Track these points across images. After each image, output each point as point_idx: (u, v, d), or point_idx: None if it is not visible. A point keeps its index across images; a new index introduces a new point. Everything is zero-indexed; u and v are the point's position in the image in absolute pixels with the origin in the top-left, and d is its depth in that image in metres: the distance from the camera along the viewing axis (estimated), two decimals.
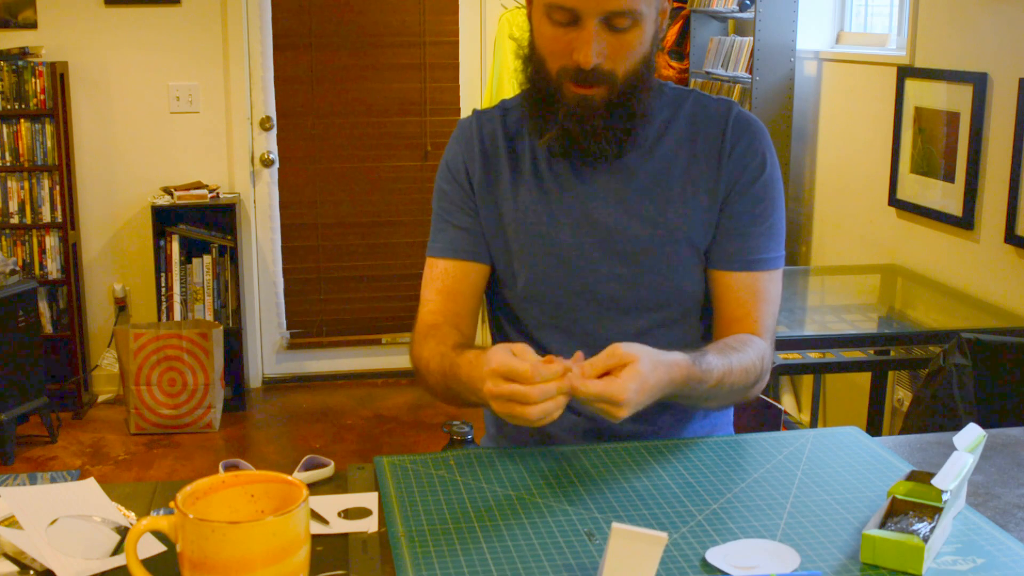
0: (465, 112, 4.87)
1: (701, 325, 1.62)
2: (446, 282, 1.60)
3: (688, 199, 1.55)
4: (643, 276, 1.55)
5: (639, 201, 1.55)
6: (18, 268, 4.22)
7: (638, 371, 1.26)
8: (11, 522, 1.20)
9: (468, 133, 1.63)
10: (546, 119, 1.51)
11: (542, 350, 1.58)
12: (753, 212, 1.55)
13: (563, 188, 1.56)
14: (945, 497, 1.16)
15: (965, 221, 3.21)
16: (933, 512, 1.17)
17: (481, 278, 1.61)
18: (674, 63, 4.80)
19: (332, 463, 1.40)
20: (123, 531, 1.20)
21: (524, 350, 1.28)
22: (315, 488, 1.35)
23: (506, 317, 1.65)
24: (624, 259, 1.54)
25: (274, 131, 4.78)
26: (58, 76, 4.32)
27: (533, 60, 1.52)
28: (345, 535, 1.22)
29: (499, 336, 1.68)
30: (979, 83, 3.12)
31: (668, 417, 1.60)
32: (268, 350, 4.95)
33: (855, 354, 3.15)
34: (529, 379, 1.23)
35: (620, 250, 1.54)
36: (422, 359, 1.53)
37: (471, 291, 1.60)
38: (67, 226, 4.42)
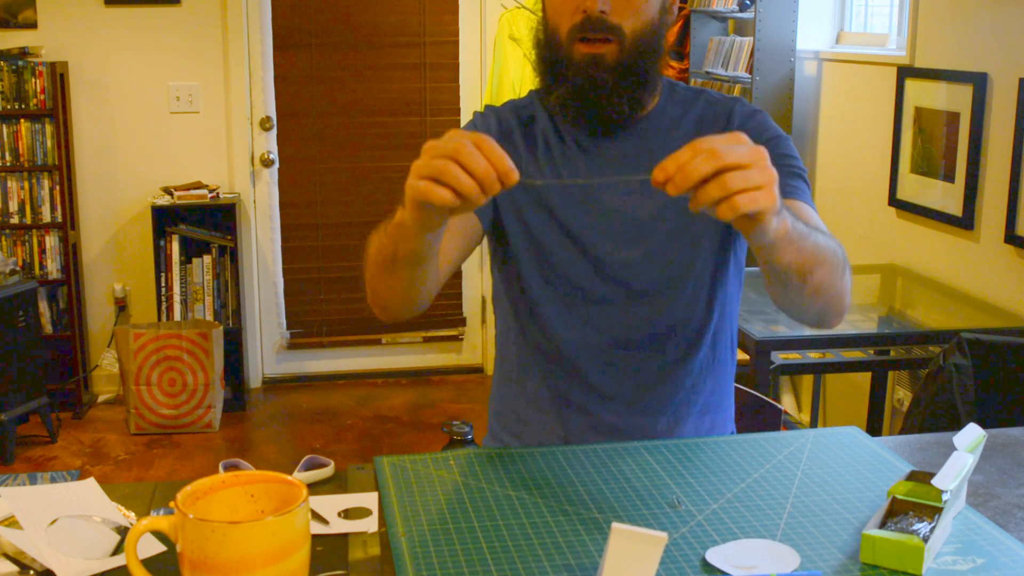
0: (465, 112, 4.88)
1: (713, 313, 1.61)
2: None
3: None
4: (653, 257, 1.55)
5: (648, 185, 1.55)
6: (18, 268, 4.22)
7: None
8: (11, 522, 1.20)
9: (485, 120, 1.64)
10: (556, 80, 1.53)
11: (552, 334, 1.59)
12: (777, 163, 1.48)
13: (575, 172, 1.57)
14: (945, 497, 1.16)
15: (965, 221, 3.21)
16: (933, 512, 1.17)
17: (471, 231, 1.55)
18: (674, 63, 4.80)
19: (332, 463, 1.40)
20: (123, 531, 1.20)
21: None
22: (315, 488, 1.35)
23: (514, 294, 1.62)
24: (634, 240, 1.55)
25: (274, 131, 4.78)
26: (58, 76, 4.32)
27: (546, 31, 1.55)
28: (345, 535, 1.22)
29: (505, 319, 1.66)
30: (979, 83, 3.12)
31: (667, 417, 1.60)
32: (268, 350, 4.95)
33: (855, 354, 3.15)
34: (480, 141, 1.14)
35: (630, 232, 1.55)
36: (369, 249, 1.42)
37: (457, 236, 1.52)
38: (67, 226, 4.42)
